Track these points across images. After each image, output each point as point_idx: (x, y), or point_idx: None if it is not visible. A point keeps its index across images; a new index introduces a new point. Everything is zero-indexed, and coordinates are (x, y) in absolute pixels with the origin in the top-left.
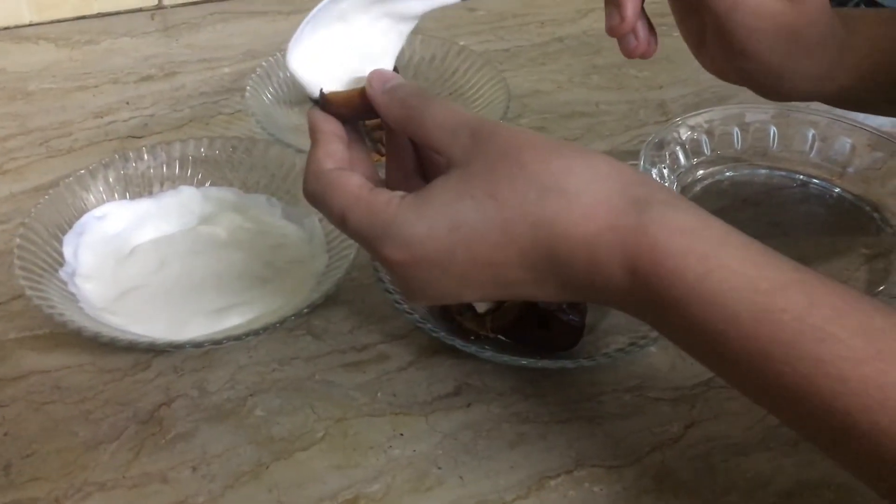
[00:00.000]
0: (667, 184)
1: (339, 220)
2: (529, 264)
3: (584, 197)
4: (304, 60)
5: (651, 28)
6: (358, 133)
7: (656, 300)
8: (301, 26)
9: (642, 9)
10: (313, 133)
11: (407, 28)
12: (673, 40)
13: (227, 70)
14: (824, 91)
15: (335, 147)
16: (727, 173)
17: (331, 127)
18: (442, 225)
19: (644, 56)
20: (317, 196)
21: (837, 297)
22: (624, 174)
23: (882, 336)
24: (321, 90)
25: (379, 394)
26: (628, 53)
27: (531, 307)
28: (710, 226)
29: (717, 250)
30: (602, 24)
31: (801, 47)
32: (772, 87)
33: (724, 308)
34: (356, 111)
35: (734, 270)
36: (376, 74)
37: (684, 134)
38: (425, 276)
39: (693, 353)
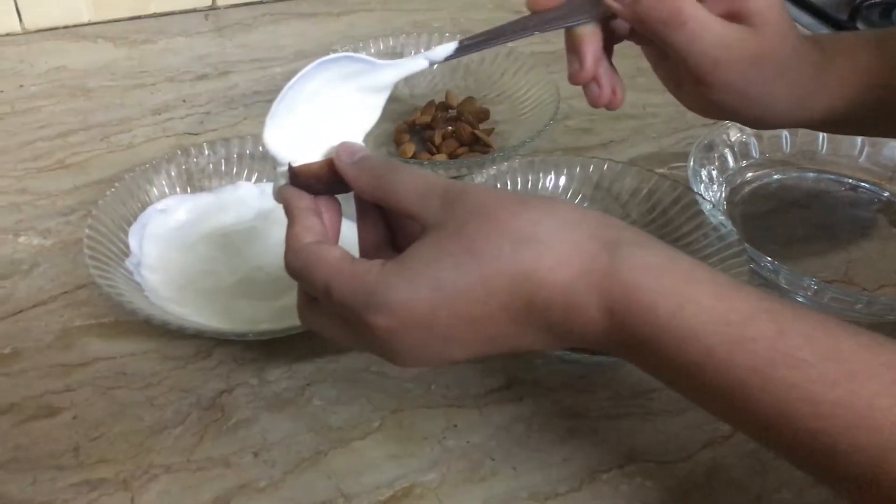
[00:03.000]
0: (715, 186)
1: (324, 292)
2: (511, 316)
3: (556, 245)
4: (279, 138)
5: (617, 77)
6: (334, 205)
7: (633, 338)
8: (275, 103)
9: (610, 58)
10: (288, 210)
11: (380, 100)
12: None
13: (278, 70)
14: (811, 116)
15: (311, 221)
16: (775, 176)
17: (304, 202)
18: (423, 286)
19: (610, 107)
20: (299, 271)
21: (805, 322)
22: (592, 220)
23: (851, 357)
24: (289, 164)
25: (433, 386)
26: (592, 102)
27: None
28: (677, 262)
29: (686, 285)
30: None
31: (769, 73)
32: (753, 116)
33: (697, 341)
34: (326, 183)
35: (704, 303)
36: (344, 147)
37: (733, 136)
38: (412, 338)
39: (674, 387)
